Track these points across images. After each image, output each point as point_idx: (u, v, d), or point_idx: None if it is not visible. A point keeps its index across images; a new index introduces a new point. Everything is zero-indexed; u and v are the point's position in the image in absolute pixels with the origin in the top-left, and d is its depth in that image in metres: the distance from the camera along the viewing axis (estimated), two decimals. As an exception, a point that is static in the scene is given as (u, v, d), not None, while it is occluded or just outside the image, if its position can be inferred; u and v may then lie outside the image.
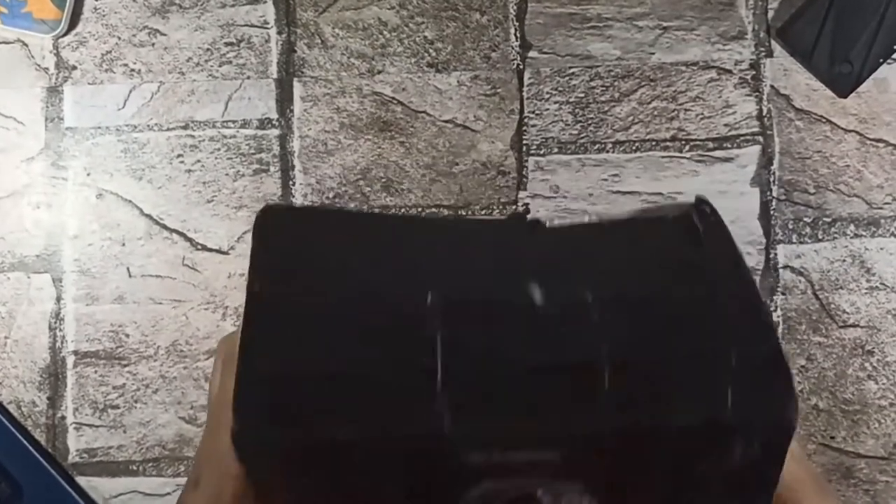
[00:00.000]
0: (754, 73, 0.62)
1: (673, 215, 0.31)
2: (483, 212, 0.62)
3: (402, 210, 0.62)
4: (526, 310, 0.27)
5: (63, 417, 0.62)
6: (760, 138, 0.62)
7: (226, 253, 0.62)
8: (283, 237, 0.28)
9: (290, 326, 0.26)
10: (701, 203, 0.32)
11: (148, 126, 0.63)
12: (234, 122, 0.63)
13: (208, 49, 0.63)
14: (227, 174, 0.63)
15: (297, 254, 0.28)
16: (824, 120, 0.62)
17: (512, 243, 0.30)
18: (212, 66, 0.63)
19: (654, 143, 0.62)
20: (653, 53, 0.63)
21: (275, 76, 0.63)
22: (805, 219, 0.62)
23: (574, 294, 0.28)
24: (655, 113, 0.62)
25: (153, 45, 0.63)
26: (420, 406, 0.24)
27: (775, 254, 0.61)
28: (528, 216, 0.30)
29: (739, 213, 0.61)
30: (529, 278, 0.28)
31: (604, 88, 0.63)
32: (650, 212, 0.31)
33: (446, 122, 0.62)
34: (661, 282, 0.29)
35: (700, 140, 0.62)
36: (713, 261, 0.29)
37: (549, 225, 0.29)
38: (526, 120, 0.62)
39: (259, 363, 0.25)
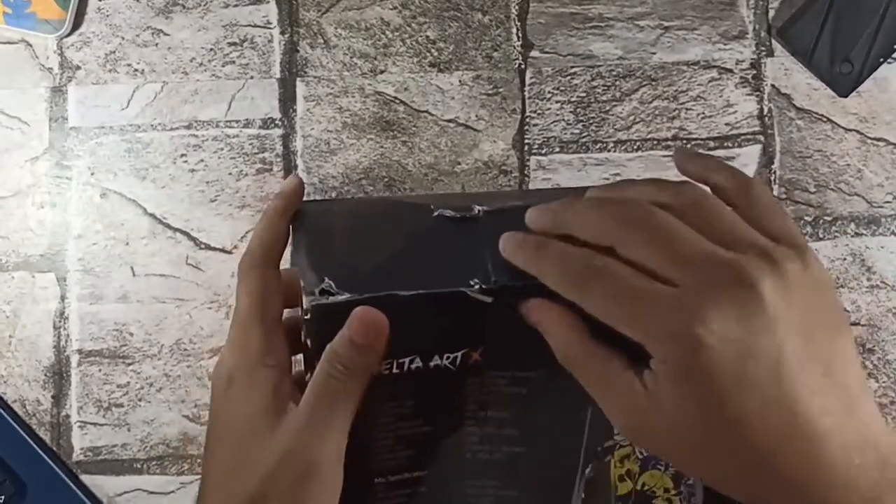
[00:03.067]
0: (755, 72, 0.63)
1: None
2: (485, 211, 0.62)
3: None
4: None
5: (67, 416, 0.62)
6: (761, 137, 0.62)
7: (229, 252, 0.63)
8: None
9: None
10: None
11: (151, 126, 0.63)
12: (237, 121, 0.63)
13: (211, 49, 0.63)
14: (230, 174, 0.63)
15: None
16: (825, 119, 0.62)
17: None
18: (215, 66, 0.63)
19: (655, 142, 0.62)
20: (654, 53, 0.63)
21: (278, 76, 0.63)
22: (806, 217, 0.62)
23: None
24: (657, 112, 0.62)
25: (157, 45, 0.64)
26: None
27: (776, 252, 0.62)
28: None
29: (740, 212, 0.62)
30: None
31: (605, 88, 0.63)
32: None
33: (448, 121, 0.63)
34: None
35: (701, 139, 0.62)
36: None
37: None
38: (528, 119, 0.63)
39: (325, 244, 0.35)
